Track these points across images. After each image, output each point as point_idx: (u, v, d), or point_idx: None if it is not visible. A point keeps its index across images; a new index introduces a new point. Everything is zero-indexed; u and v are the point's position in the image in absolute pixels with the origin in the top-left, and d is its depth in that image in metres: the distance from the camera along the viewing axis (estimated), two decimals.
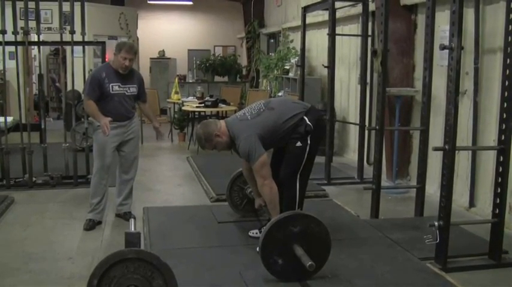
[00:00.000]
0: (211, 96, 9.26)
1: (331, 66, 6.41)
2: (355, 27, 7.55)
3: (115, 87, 4.65)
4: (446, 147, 3.63)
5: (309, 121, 3.90)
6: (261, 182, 3.83)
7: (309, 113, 3.95)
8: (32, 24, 6.01)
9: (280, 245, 3.39)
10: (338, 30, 6.85)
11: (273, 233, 3.38)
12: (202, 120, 4.37)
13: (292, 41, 10.01)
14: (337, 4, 6.58)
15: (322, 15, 8.04)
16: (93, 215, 4.81)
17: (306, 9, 7.22)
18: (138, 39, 12.22)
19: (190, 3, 13.45)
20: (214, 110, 8.89)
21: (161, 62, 13.57)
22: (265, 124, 3.89)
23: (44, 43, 6.43)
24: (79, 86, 6.30)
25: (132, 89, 4.78)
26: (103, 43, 6.57)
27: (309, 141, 3.90)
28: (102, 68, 4.77)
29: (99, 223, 4.83)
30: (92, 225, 4.74)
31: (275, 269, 3.43)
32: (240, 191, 4.72)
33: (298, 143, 3.90)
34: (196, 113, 9.12)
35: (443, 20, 5.22)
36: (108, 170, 4.84)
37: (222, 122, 4.08)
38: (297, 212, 3.58)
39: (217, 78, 13.17)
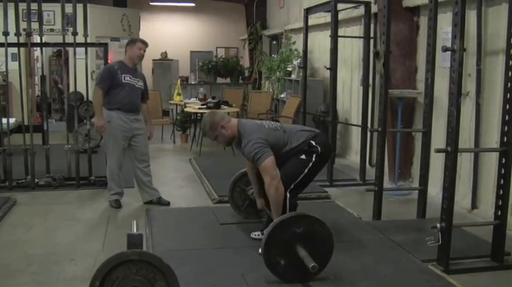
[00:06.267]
0: (213, 98, 9.26)
1: (333, 68, 6.41)
2: (357, 29, 7.55)
3: (126, 78, 5.20)
4: (449, 149, 3.63)
5: (316, 144, 3.97)
6: (268, 182, 3.81)
7: (316, 137, 4.02)
8: (35, 25, 6.02)
9: (283, 246, 3.39)
10: (340, 32, 6.85)
11: (275, 234, 3.38)
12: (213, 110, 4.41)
13: (294, 42, 10.01)
14: (340, 6, 6.58)
15: (325, 17, 8.04)
16: (116, 192, 5.40)
17: (308, 11, 7.22)
18: None
19: (193, 5, 13.47)
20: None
21: (163, 63, 13.57)
22: (277, 140, 3.95)
23: (47, 45, 6.44)
24: (81, 88, 6.32)
25: (140, 83, 5.33)
26: (105, 45, 6.58)
27: (313, 159, 3.96)
28: (115, 63, 5.37)
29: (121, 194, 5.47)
30: (119, 203, 5.42)
31: (277, 270, 3.43)
32: (242, 192, 4.72)
33: (303, 156, 3.96)
34: (199, 115, 9.11)
35: (445, 22, 5.21)
36: (123, 154, 5.36)
37: (234, 119, 4.12)
38: (300, 213, 3.58)
39: (219, 80, 13.18)
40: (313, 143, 3.97)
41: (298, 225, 3.40)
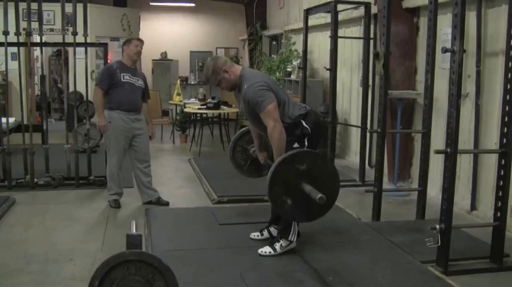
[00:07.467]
0: (213, 98, 9.26)
1: (333, 68, 6.41)
2: (357, 30, 7.55)
3: (126, 77, 5.21)
4: (448, 150, 3.63)
5: (306, 124, 3.88)
6: (272, 125, 3.71)
7: (307, 116, 3.92)
8: (35, 25, 6.02)
9: (288, 185, 3.32)
10: (340, 32, 6.86)
11: (279, 173, 3.29)
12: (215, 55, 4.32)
13: (294, 43, 10.01)
14: (340, 6, 6.58)
15: (325, 18, 8.04)
16: (116, 192, 5.41)
17: (308, 12, 7.22)
18: None
19: (193, 5, 13.47)
20: (216, 112, 8.89)
21: (163, 63, 13.58)
22: (277, 92, 3.86)
23: (46, 44, 6.44)
24: (81, 88, 6.32)
25: (140, 82, 5.34)
26: (105, 44, 6.59)
27: (306, 143, 3.87)
28: (114, 62, 5.39)
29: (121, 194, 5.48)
30: (118, 203, 5.42)
31: (285, 210, 3.37)
32: (243, 151, 4.70)
33: (295, 145, 3.87)
34: (198, 115, 9.12)
35: (445, 23, 5.22)
36: (123, 154, 5.37)
37: (238, 66, 4.04)
38: (302, 150, 3.54)
39: None
40: (304, 123, 3.88)
41: (301, 162, 3.32)
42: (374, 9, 6.61)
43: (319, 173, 3.34)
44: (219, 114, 9.16)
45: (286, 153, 3.53)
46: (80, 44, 6.05)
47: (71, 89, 6.68)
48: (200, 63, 13.24)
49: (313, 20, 8.09)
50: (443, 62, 5.28)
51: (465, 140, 5.12)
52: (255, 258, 3.82)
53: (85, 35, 6.09)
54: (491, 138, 4.91)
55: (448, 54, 3.61)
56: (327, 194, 3.29)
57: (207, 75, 4.01)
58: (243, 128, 4.67)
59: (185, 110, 9.21)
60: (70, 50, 6.77)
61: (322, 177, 3.36)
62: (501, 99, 3.84)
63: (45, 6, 6.32)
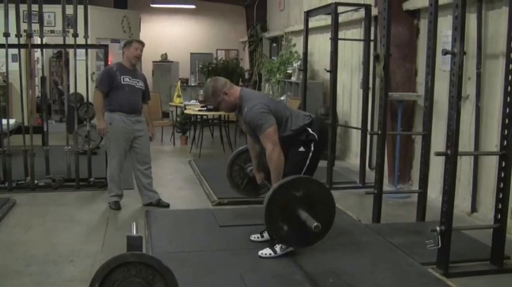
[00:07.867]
0: None
1: (333, 70, 6.40)
2: (357, 32, 7.56)
3: (126, 79, 5.18)
4: (449, 152, 3.63)
5: (312, 131, 3.93)
6: (271, 148, 3.77)
7: (312, 123, 3.98)
8: (35, 27, 6.03)
9: (284, 211, 3.35)
10: (340, 34, 6.85)
11: (276, 199, 3.33)
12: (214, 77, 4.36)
13: (294, 45, 10.02)
14: (340, 8, 6.59)
15: (325, 20, 8.05)
16: (116, 194, 5.38)
17: (308, 14, 7.22)
18: None
19: (193, 7, 13.48)
20: (216, 113, 8.89)
21: (164, 65, 13.59)
22: (277, 110, 3.91)
23: (47, 46, 6.46)
24: (82, 89, 6.33)
25: (140, 84, 5.32)
26: (106, 46, 6.58)
27: (312, 148, 3.93)
28: (114, 65, 5.36)
29: (121, 196, 5.46)
30: (118, 205, 5.40)
31: (281, 235, 3.38)
32: (240, 171, 4.73)
33: (301, 149, 3.93)
34: (199, 117, 9.12)
35: (445, 25, 5.22)
36: (124, 156, 5.34)
37: (237, 87, 4.08)
38: (298, 177, 3.56)
39: None
40: (310, 130, 3.93)
41: (298, 188, 3.35)
42: (374, 11, 6.61)
43: (315, 198, 3.38)
44: (220, 116, 9.16)
45: (282, 179, 3.56)
46: (80, 46, 6.05)
47: (72, 90, 6.69)
48: (200, 65, 13.24)
49: (313, 22, 8.10)
50: (443, 64, 5.28)
51: (465, 142, 5.11)
52: (255, 260, 3.82)
53: (86, 36, 6.10)
54: (492, 140, 4.90)
55: (449, 56, 3.61)
56: (323, 221, 3.33)
57: (207, 97, 4.10)
58: (241, 147, 4.69)
59: (185, 111, 9.22)
60: (71, 51, 6.77)
61: (318, 204, 3.40)
62: (501, 102, 3.84)
63: (46, 7, 6.33)
